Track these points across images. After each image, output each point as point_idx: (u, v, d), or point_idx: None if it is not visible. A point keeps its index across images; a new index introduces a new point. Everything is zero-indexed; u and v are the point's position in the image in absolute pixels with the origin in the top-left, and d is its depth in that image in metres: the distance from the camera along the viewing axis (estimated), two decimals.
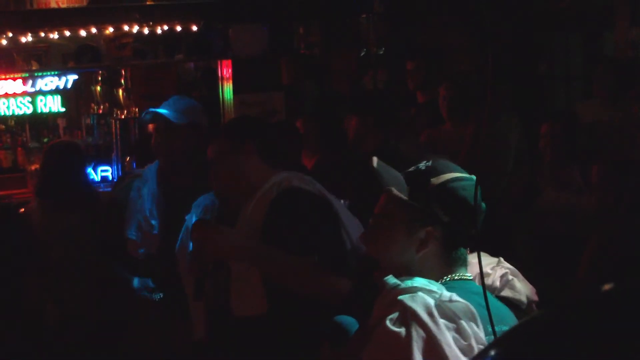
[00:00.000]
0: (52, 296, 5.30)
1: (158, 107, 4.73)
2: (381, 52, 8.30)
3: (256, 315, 3.63)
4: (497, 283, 2.96)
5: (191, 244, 4.21)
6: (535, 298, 3.06)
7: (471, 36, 6.64)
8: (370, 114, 5.14)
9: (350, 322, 2.74)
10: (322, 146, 5.54)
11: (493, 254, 3.10)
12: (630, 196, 4.53)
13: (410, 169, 2.62)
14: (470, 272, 2.92)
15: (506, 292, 2.97)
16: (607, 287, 1.50)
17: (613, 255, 4.38)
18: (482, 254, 2.87)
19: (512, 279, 3.00)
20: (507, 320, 2.51)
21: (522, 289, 3.02)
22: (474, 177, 2.60)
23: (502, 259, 3.09)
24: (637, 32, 7.11)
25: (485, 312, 2.38)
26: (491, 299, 2.59)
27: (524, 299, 3.00)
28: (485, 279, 2.90)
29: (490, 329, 2.36)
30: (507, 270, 3.03)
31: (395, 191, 2.54)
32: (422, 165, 2.59)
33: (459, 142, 5.85)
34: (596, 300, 1.50)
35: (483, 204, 2.60)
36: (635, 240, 4.37)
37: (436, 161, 2.61)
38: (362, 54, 8.56)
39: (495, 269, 3.02)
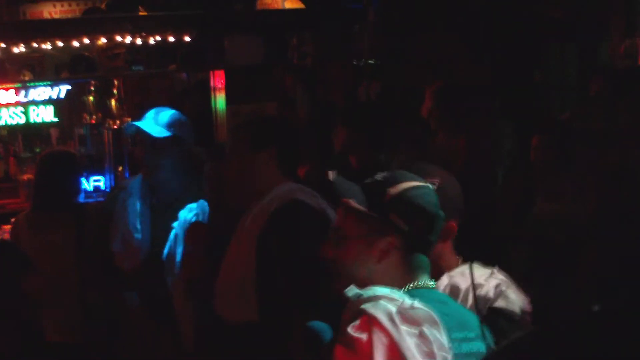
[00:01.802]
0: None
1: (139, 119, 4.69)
2: (373, 62, 8.29)
3: (246, 321, 3.61)
4: (491, 293, 2.94)
5: (179, 250, 4.20)
6: (529, 309, 3.03)
7: (467, 46, 6.61)
8: (359, 127, 5.08)
9: (322, 327, 2.74)
10: (314, 156, 5.51)
11: (487, 263, 3.07)
12: (624, 204, 4.51)
13: (367, 180, 2.63)
14: (464, 282, 2.90)
15: (500, 303, 2.95)
16: (594, 308, 1.48)
17: (611, 264, 4.35)
18: (475, 265, 2.86)
19: (506, 290, 2.98)
20: (473, 327, 2.52)
21: (515, 299, 2.99)
22: (429, 185, 2.64)
23: (495, 270, 3.06)
24: (632, 43, 7.11)
25: (449, 320, 2.39)
26: (454, 304, 2.63)
27: (517, 310, 2.98)
28: (479, 290, 2.88)
29: (454, 336, 2.40)
30: (500, 281, 3.01)
31: (353, 203, 2.56)
32: (379, 176, 2.62)
33: (452, 152, 5.81)
34: (578, 324, 1.48)
35: (440, 212, 2.61)
36: (632, 249, 4.34)
37: (392, 171, 2.65)
38: (356, 64, 8.53)
39: (488, 279, 3.00)
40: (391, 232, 2.53)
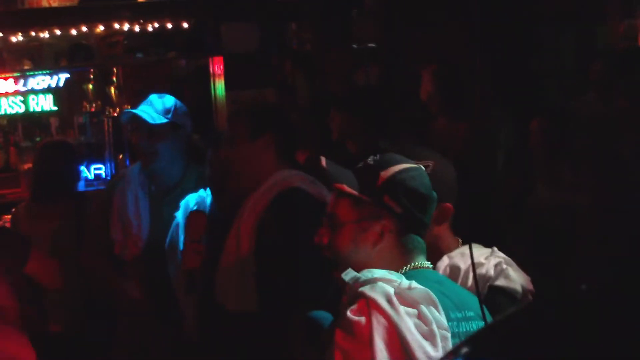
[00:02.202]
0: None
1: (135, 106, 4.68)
2: (373, 46, 8.26)
3: (246, 311, 3.62)
4: (492, 272, 2.96)
5: (181, 239, 4.21)
6: (531, 287, 3.05)
7: (463, 31, 6.60)
8: (357, 112, 5.07)
9: (324, 316, 2.75)
10: (315, 143, 5.52)
11: (486, 247, 3.09)
12: (621, 191, 4.53)
13: (358, 165, 2.63)
14: (463, 262, 2.92)
15: (500, 282, 2.96)
16: (583, 286, 1.50)
17: (609, 251, 4.38)
18: (475, 245, 2.87)
19: (507, 268, 2.99)
20: (471, 306, 2.52)
21: (517, 278, 3.01)
22: (422, 166, 2.64)
23: (495, 249, 3.08)
24: (631, 24, 7.09)
25: (447, 300, 2.41)
26: (452, 284, 2.63)
27: (519, 288, 2.99)
28: (479, 269, 2.89)
29: (452, 316, 2.40)
30: (501, 259, 3.02)
31: (346, 187, 2.55)
32: (370, 159, 2.61)
33: (452, 136, 5.80)
34: (568, 301, 1.50)
35: (433, 193, 2.61)
36: (629, 235, 4.36)
37: (383, 154, 2.63)
38: (355, 47, 8.51)
39: (489, 258, 3.01)
40: (385, 215, 2.53)
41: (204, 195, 4.34)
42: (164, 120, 4.52)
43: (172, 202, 4.42)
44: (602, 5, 7.07)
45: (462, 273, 2.90)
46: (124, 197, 4.66)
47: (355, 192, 2.55)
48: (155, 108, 4.56)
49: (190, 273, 3.88)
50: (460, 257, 2.99)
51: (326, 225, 2.64)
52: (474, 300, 2.54)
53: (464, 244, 3.07)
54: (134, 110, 4.57)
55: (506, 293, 2.95)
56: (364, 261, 2.52)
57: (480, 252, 3.03)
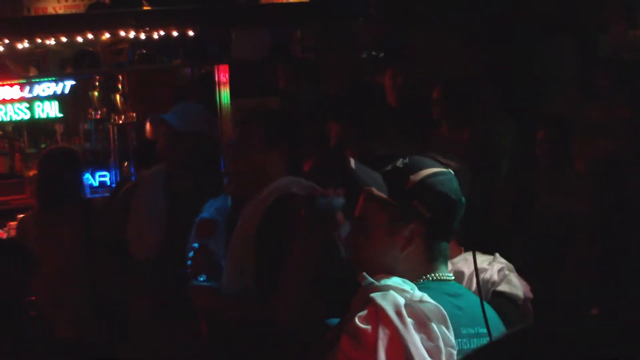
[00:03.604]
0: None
1: (157, 112, 4.75)
2: (381, 56, 8.28)
3: (248, 316, 3.65)
4: (495, 277, 2.99)
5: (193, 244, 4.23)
6: (530, 295, 3.08)
7: (466, 39, 6.62)
8: (352, 121, 5.09)
9: None
10: (319, 149, 5.53)
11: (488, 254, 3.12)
12: (623, 199, 4.54)
13: (387, 168, 2.61)
14: (467, 268, 2.93)
15: (503, 287, 2.99)
16: (593, 311, 1.49)
17: (608, 258, 4.39)
18: (477, 253, 2.89)
19: (509, 274, 3.02)
20: (492, 322, 2.48)
21: (518, 284, 3.05)
22: (451, 171, 2.61)
23: (498, 255, 3.10)
24: (633, 34, 7.10)
25: (460, 314, 2.39)
26: (470, 298, 2.58)
27: (520, 294, 3.02)
28: (483, 274, 2.92)
29: (464, 332, 2.38)
30: (503, 265, 3.05)
31: (375, 191, 2.54)
32: (399, 162, 2.59)
33: (454, 144, 5.82)
34: (577, 327, 1.50)
35: (462, 198, 2.59)
36: (630, 242, 4.38)
37: (412, 158, 2.61)
38: (361, 56, 8.53)
39: (492, 263, 3.04)
40: (414, 219, 2.51)
41: (223, 201, 4.36)
42: (191, 129, 4.59)
43: (190, 207, 4.44)
44: (605, 14, 7.09)
45: (466, 278, 2.92)
46: (143, 198, 4.71)
47: (384, 196, 2.54)
48: (183, 115, 4.63)
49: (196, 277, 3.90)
50: (463, 262, 3.01)
51: (353, 229, 2.64)
52: (491, 315, 2.51)
53: (465, 250, 3.10)
54: (163, 115, 4.64)
55: (509, 298, 2.98)
56: (390, 265, 2.51)
57: (483, 258, 3.06)
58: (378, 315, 2.29)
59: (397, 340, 2.25)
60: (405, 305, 2.30)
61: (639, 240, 4.19)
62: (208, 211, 4.25)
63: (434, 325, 2.30)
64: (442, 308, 2.34)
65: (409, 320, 2.28)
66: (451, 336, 2.32)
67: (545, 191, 5.41)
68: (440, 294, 2.43)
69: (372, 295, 2.34)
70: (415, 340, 2.25)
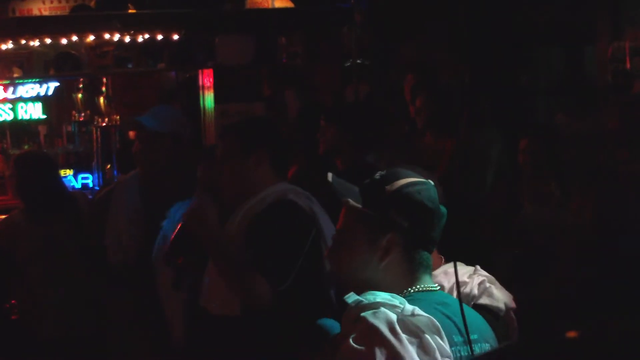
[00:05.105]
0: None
1: (139, 115, 4.72)
2: (367, 63, 8.28)
3: (231, 315, 3.63)
4: (475, 291, 2.98)
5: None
6: (513, 305, 3.07)
7: (453, 48, 6.62)
8: (349, 126, 5.10)
9: (333, 325, 2.72)
10: (303, 156, 5.53)
11: (471, 266, 3.11)
12: (607, 208, 4.55)
13: (365, 181, 2.60)
14: (447, 281, 2.91)
15: (484, 300, 2.98)
16: (572, 334, 1.48)
17: (592, 267, 4.40)
18: (458, 263, 2.87)
19: (490, 287, 3.01)
20: (477, 329, 2.48)
21: (500, 296, 3.03)
22: (428, 180, 2.60)
23: (478, 267, 3.09)
24: (620, 46, 7.12)
25: (450, 322, 2.38)
26: (456, 305, 2.54)
27: (502, 306, 3.01)
28: (463, 287, 2.90)
29: (456, 340, 2.37)
30: (484, 278, 3.04)
31: (352, 202, 2.53)
32: (377, 175, 2.58)
33: (438, 153, 5.81)
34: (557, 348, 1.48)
35: (442, 207, 2.59)
36: (613, 251, 4.39)
37: (389, 169, 2.60)
38: (346, 64, 8.53)
39: (472, 277, 3.03)
40: (392, 229, 2.50)
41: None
42: (166, 130, 4.57)
43: (166, 212, 4.43)
44: (591, 26, 7.11)
45: (446, 291, 2.91)
46: (120, 203, 4.69)
47: (360, 207, 2.53)
48: (158, 117, 4.61)
49: (177, 270, 3.86)
50: (443, 275, 2.99)
51: (334, 242, 2.63)
52: (479, 322, 2.52)
53: (446, 261, 3.09)
54: (138, 118, 4.63)
55: (490, 311, 2.97)
56: (369, 277, 2.50)
57: (464, 271, 3.05)
58: (372, 335, 2.25)
59: (394, 359, 2.21)
60: (398, 321, 2.27)
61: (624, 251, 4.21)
62: (173, 217, 4.24)
63: (429, 337, 2.27)
64: (434, 319, 2.31)
65: (403, 337, 2.24)
66: (446, 346, 2.30)
67: (528, 200, 5.41)
68: (429, 304, 2.41)
69: (363, 314, 2.30)
70: (412, 355, 2.22)
